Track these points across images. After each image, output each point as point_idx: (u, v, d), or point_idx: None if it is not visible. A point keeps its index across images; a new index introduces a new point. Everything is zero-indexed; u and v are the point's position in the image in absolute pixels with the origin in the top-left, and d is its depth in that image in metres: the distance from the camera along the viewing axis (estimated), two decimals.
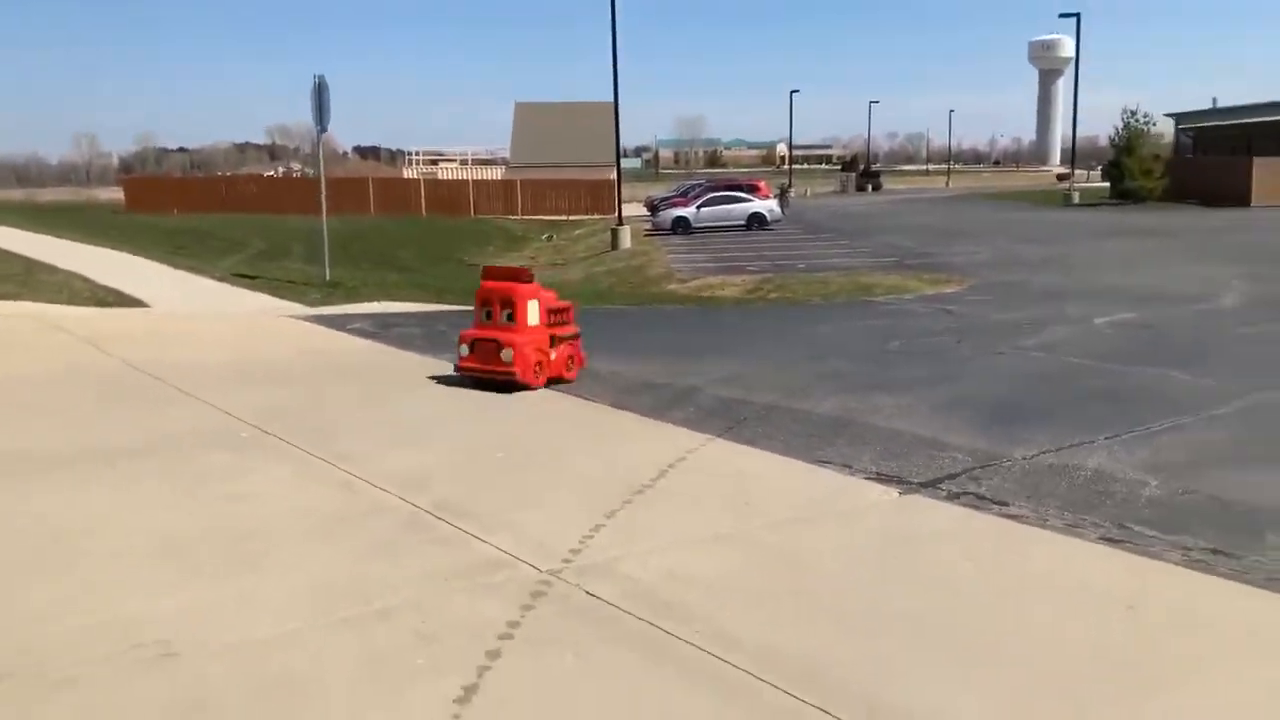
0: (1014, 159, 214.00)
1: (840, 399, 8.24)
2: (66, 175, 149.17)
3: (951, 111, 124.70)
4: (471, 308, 9.04)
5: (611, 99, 35.43)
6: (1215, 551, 4.79)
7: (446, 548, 4.70)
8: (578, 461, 6.33)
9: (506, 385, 8.28)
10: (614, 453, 6.49)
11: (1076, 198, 45.75)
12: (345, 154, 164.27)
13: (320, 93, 15.16)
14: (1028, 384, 9.15)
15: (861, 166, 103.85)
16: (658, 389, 8.61)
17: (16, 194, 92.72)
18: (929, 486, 5.79)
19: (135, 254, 21.84)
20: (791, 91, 78.52)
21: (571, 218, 53.67)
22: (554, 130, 65.19)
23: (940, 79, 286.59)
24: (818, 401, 8.14)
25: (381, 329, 12.22)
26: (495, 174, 65.88)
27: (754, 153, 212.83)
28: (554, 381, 8.57)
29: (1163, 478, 5.92)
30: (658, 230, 37.31)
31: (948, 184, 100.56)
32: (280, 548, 4.68)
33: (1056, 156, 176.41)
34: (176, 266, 19.50)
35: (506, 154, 71.53)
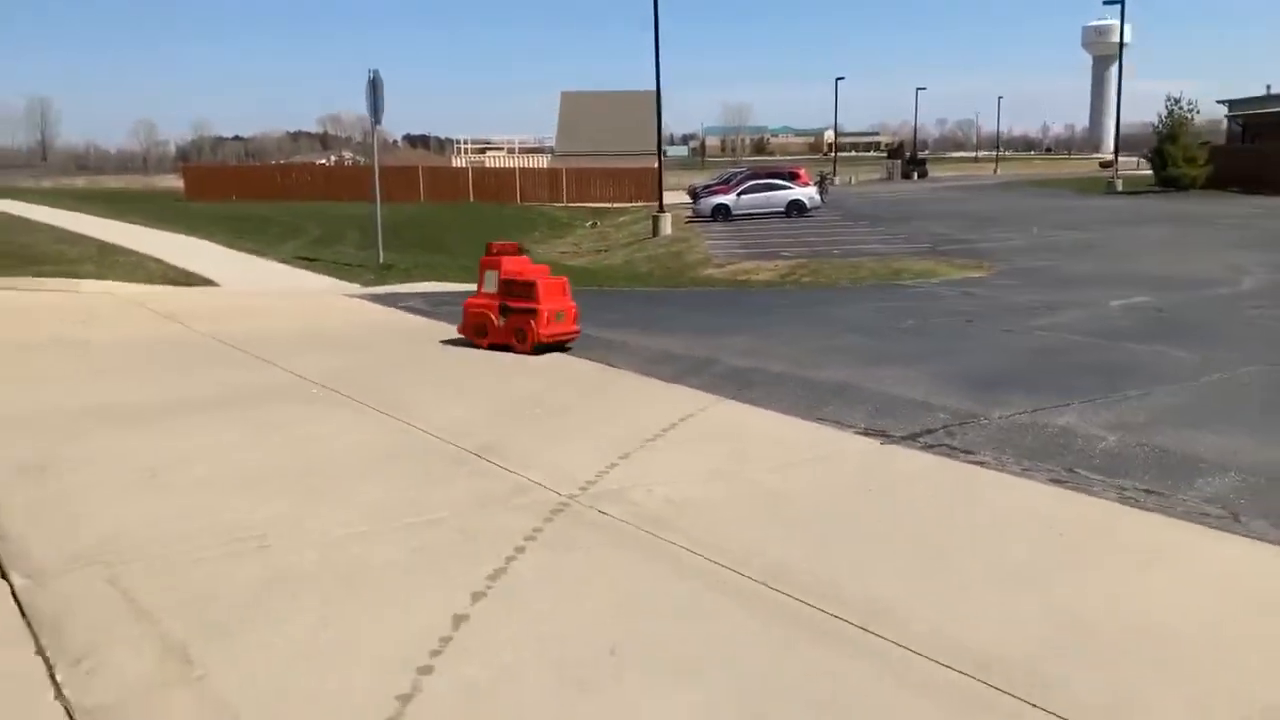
0: (1066, 146, 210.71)
1: (846, 370, 9.00)
2: (125, 163, 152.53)
3: (1000, 98, 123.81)
4: None
5: (652, 89, 36.15)
6: (1148, 491, 5.51)
7: (484, 478, 5.58)
8: (600, 416, 7.18)
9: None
10: (633, 410, 7.34)
11: (1120, 185, 45.64)
12: (395, 143, 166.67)
13: (375, 88, 16.15)
14: (1025, 358, 9.83)
15: (907, 154, 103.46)
16: (679, 359, 9.43)
17: (79, 181, 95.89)
18: (909, 439, 6.56)
19: (201, 238, 23.11)
20: (836, 79, 78.69)
21: (615, 205, 54.50)
22: (599, 119, 66.06)
23: (992, 65, 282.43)
24: (825, 371, 8.91)
25: (430, 306, 13.17)
26: (542, 162, 66.89)
27: (802, 140, 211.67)
28: (500, 348, 9.58)
29: (1120, 434, 6.63)
30: (698, 217, 38.03)
31: (995, 171, 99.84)
32: (348, 475, 5.60)
33: (1110, 143, 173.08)
34: (240, 250, 20.69)
35: (553, 143, 72.53)
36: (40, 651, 3.48)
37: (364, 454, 6.06)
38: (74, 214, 31.03)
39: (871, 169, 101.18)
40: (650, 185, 51.18)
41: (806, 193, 38.79)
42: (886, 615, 3.87)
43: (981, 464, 6.02)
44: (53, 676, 3.32)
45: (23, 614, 3.79)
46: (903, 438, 6.59)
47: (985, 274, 19.46)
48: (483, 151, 73.65)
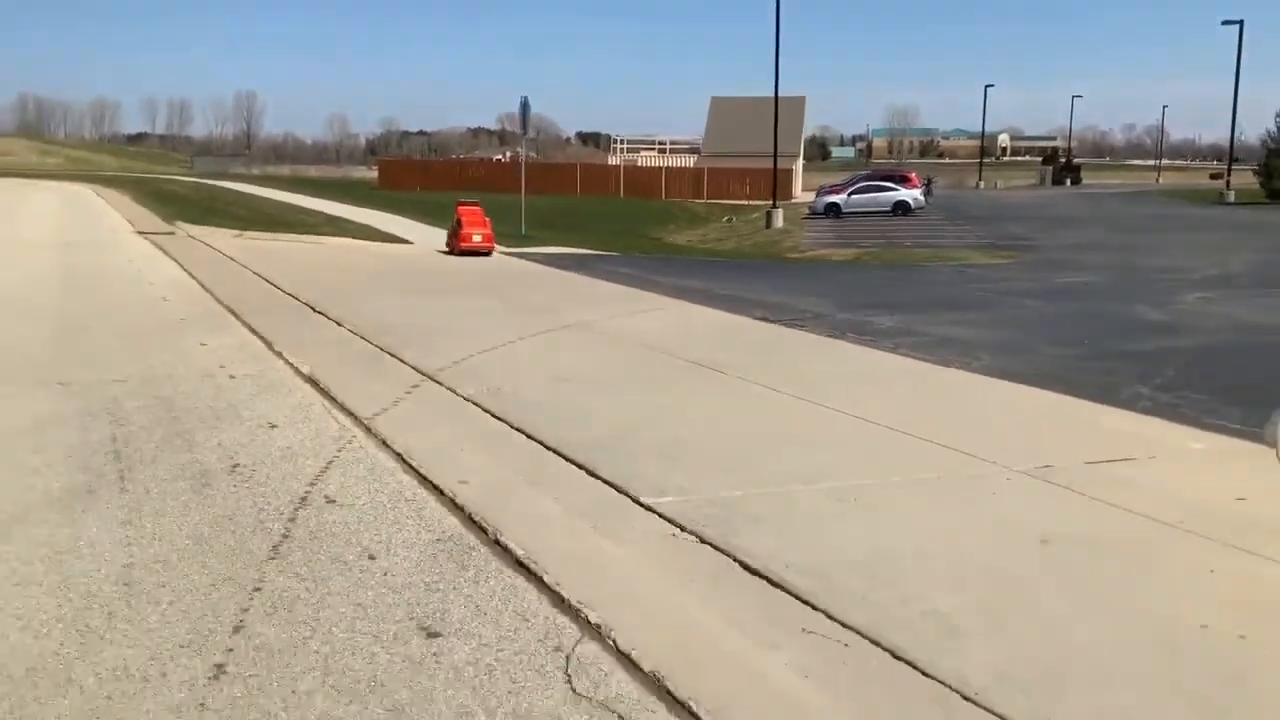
0: (1262, 157, 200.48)
1: (787, 297, 14.46)
2: (319, 154, 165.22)
3: (1165, 107, 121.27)
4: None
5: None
6: (870, 340, 10.86)
7: (542, 317, 11.53)
8: (613, 305, 12.98)
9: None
10: (633, 304, 13.12)
11: (1232, 196, 47.70)
12: (568, 140, 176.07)
13: (524, 109, 22.48)
14: (920, 300, 14.97)
15: (1062, 160, 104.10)
16: (687, 290, 15.10)
17: (284, 169, 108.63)
18: (779, 322, 12.04)
19: (397, 215, 30.24)
20: (986, 86, 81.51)
21: (752, 203, 59.82)
22: (744, 122, 71.32)
23: (1185, 68, 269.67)
24: (773, 298, 14.40)
25: (541, 259, 19.31)
26: (689, 162, 72.87)
27: (972, 143, 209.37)
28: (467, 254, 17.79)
29: (895, 324, 11.91)
30: (813, 214, 43.04)
31: (1158, 180, 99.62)
32: (483, 317, 11.67)
33: None
34: (426, 224, 27.56)
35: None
36: (363, 339, 9.64)
37: (491, 310, 12.16)
38: (292, 195, 39.17)
39: (1031, 174, 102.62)
40: (784, 185, 56.45)
41: (912, 194, 43.20)
42: (685, 352, 9.52)
43: (804, 330, 11.49)
44: (367, 339, 9.45)
45: (340, 325, 9.98)
46: (776, 321, 12.09)
47: (1005, 262, 23.87)
48: (636, 151, 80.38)
